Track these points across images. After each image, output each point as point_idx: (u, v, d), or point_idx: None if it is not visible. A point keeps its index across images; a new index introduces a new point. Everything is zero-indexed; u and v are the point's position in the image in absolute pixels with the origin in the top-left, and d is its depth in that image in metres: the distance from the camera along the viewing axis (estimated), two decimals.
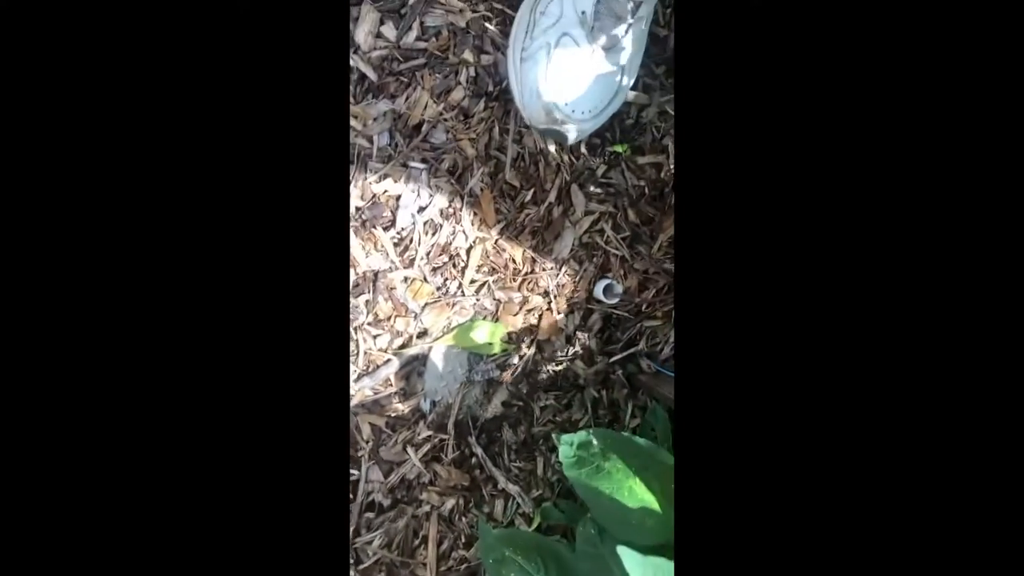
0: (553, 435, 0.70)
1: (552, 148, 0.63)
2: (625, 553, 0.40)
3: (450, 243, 0.63)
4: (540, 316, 0.68)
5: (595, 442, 0.50)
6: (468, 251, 0.64)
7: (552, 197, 0.64)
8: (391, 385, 0.66)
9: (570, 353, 0.70)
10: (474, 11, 0.59)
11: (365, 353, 0.64)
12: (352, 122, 0.58)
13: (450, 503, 0.67)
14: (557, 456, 0.70)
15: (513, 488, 0.68)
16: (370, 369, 0.65)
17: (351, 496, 0.65)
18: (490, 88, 0.61)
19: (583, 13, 0.55)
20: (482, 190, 0.62)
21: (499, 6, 0.60)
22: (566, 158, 0.64)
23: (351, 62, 0.57)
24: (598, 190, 0.66)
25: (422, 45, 0.58)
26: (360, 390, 0.64)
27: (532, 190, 0.64)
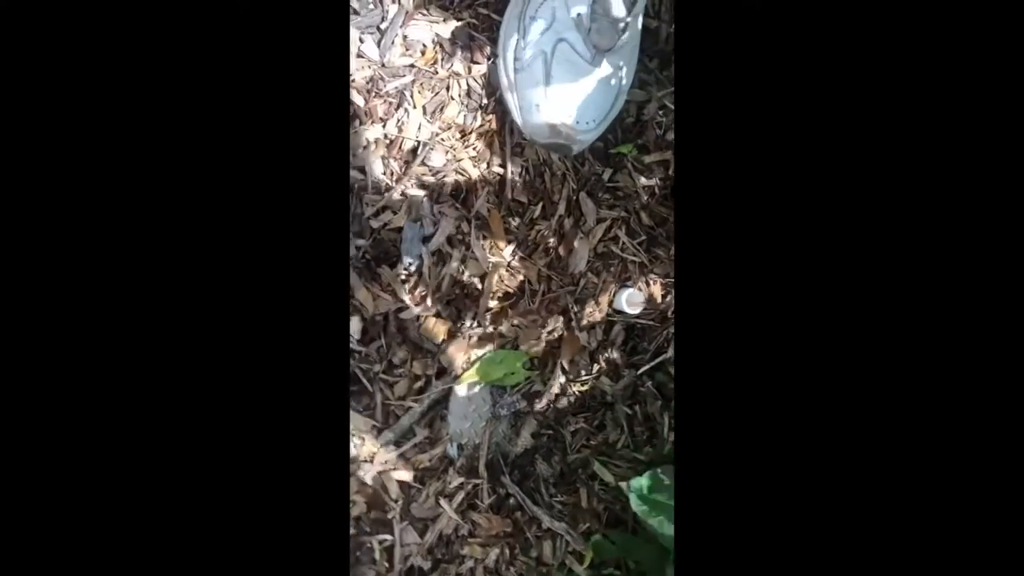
0: (592, 462, 0.65)
1: (555, 157, 0.59)
2: None
3: (462, 272, 0.58)
4: (561, 336, 0.64)
5: (667, 481, 0.46)
6: (482, 279, 0.58)
7: (561, 209, 0.60)
8: (414, 435, 0.60)
9: (595, 370, 0.66)
10: (458, 19, 0.55)
11: (383, 404, 0.58)
12: None
13: (494, 553, 0.61)
14: (598, 484, 0.66)
15: (559, 525, 0.63)
16: (390, 422, 0.59)
17: (388, 564, 0.59)
18: (484, 100, 0.56)
19: (578, 16, 0.51)
20: (489, 211, 0.57)
21: (484, 11, 0.56)
22: (570, 164, 0.60)
23: None
24: (607, 196, 0.62)
25: (408, 61, 0.53)
26: (384, 446, 0.58)
27: (540, 204, 0.59)
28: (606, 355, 0.66)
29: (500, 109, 0.57)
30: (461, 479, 0.62)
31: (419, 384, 0.59)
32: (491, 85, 0.56)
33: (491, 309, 0.60)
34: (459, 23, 0.55)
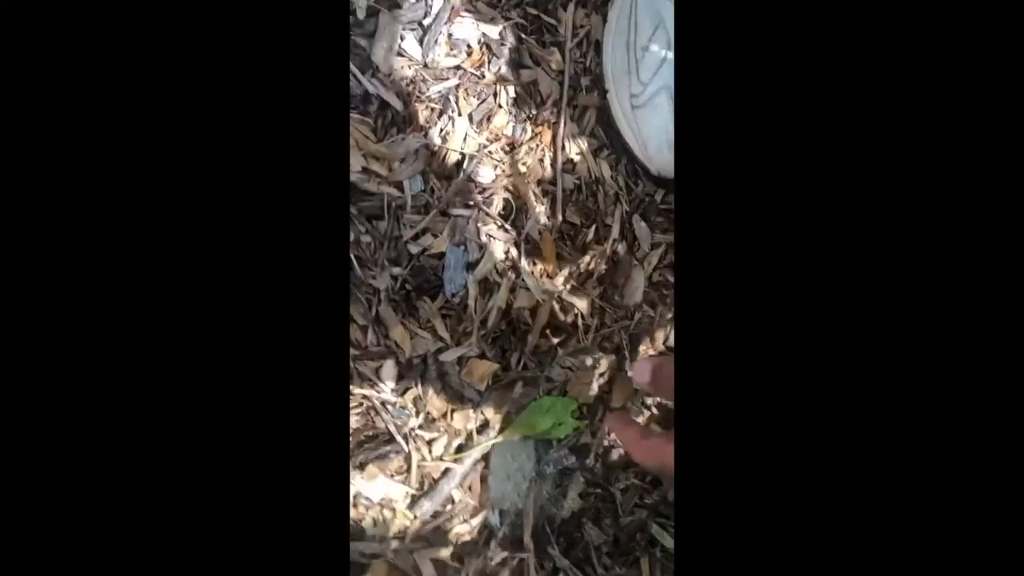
0: (650, 524, 0.57)
1: (608, 174, 0.53)
2: None
3: (511, 304, 0.50)
4: (611, 379, 0.56)
5: None
6: (532, 311, 0.51)
7: (616, 232, 0.53)
8: (453, 503, 0.50)
9: (646, 416, 0.58)
10: (506, 18, 0.48)
11: (419, 467, 0.48)
12: (375, 165, 0.44)
13: None
14: (660, 551, 0.57)
15: None
16: (426, 488, 0.49)
17: None
18: (533, 110, 0.50)
19: None
20: (541, 234, 0.50)
21: (534, 12, 0.50)
22: (622, 183, 0.54)
23: (370, 87, 0.44)
24: (660, 219, 0.56)
25: (454, 61, 0.46)
26: (420, 518, 0.48)
27: (593, 227, 0.53)
28: (659, 399, 0.58)
29: (550, 118, 0.50)
30: (504, 553, 0.52)
31: (459, 440, 0.50)
32: (541, 94, 0.50)
33: (539, 347, 0.52)
34: (507, 23, 0.48)
